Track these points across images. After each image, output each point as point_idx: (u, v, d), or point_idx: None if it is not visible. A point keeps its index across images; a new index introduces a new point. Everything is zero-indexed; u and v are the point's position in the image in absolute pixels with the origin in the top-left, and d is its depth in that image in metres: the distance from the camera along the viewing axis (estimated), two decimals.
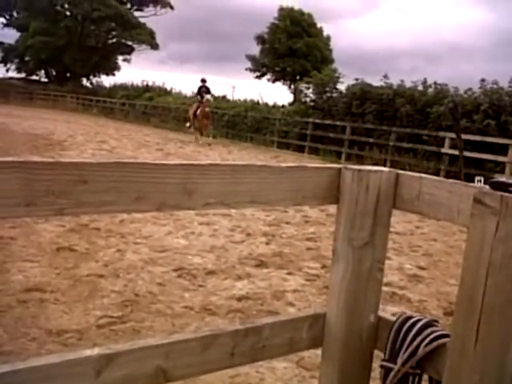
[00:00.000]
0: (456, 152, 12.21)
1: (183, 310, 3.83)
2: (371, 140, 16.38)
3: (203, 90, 20.44)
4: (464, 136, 11.88)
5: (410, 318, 1.38)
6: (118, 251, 5.15)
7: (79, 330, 3.38)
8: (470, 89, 15.53)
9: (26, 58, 47.20)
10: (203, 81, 20.75)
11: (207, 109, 19.84)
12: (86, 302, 3.83)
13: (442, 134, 14.35)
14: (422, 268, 5.47)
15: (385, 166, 12.14)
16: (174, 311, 3.80)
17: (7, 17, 48.76)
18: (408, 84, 17.35)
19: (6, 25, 48.61)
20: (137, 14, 47.95)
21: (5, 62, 49.14)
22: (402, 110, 16.36)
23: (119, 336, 3.35)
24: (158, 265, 4.81)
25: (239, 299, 4.14)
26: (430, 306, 4.37)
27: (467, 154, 12.19)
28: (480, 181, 9.16)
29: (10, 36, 48.34)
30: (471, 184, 1.27)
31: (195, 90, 21.29)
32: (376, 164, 11.38)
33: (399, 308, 4.04)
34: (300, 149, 19.17)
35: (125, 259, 4.91)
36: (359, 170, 1.41)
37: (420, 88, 16.86)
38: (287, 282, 4.66)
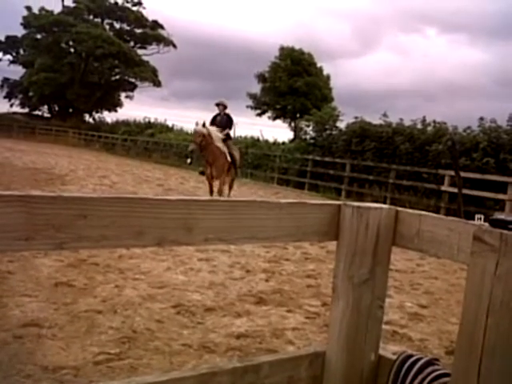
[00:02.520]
0: (455, 190, 12.24)
1: (181, 348, 3.78)
2: (371, 177, 16.44)
3: (220, 120, 12.72)
4: (463, 174, 11.94)
5: (410, 356, 1.37)
6: (116, 287, 5.11)
7: (76, 366, 3.32)
8: (468, 127, 15.69)
9: (30, 94, 47.80)
10: (220, 105, 12.83)
11: (235, 153, 12.82)
12: (83, 338, 3.78)
13: (441, 171, 14.41)
14: (423, 306, 5.41)
15: (385, 203, 12.16)
16: (172, 349, 3.75)
17: (14, 54, 49.60)
18: (407, 122, 17.56)
19: (12, 61, 49.47)
20: (140, 51, 48.77)
21: (9, 97, 49.81)
22: (401, 148, 16.49)
23: (116, 373, 3.30)
24: (157, 301, 4.77)
25: (238, 337, 4.09)
26: (432, 344, 4.32)
27: (467, 191, 12.21)
28: (480, 218, 9.16)
29: (16, 72, 49.14)
30: (471, 221, 1.28)
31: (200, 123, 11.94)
32: (376, 201, 11.40)
33: (400, 347, 3.99)
34: (300, 185, 19.23)
35: (123, 295, 4.87)
36: (359, 207, 1.42)
37: (419, 126, 17.04)
38: (287, 320, 4.60)
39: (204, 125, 11.92)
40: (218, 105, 12.98)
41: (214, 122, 12.73)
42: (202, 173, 12.58)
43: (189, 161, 21.08)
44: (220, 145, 12.06)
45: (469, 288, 1.12)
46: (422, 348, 4.19)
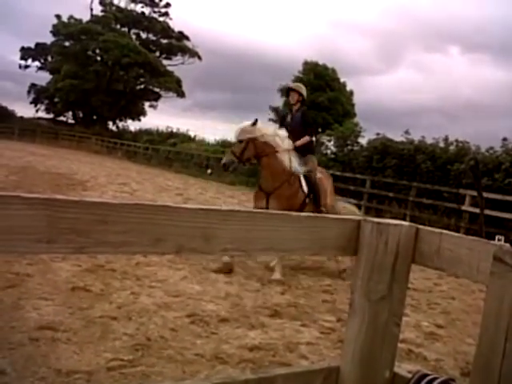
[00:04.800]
0: (476, 210, 12.10)
1: (194, 357, 3.78)
2: (391, 194, 16.32)
3: (293, 119, 7.50)
4: (485, 194, 11.80)
5: (426, 375, 1.35)
6: (132, 294, 5.13)
7: (89, 371, 3.34)
8: (491, 147, 15.55)
9: (56, 100, 48.55)
10: (294, 92, 7.54)
11: (324, 181, 7.53)
12: (97, 343, 3.80)
13: (462, 191, 14.27)
14: (439, 326, 5.34)
15: (404, 220, 12.04)
16: (185, 358, 3.75)
17: (42, 61, 50.49)
18: (429, 140, 17.44)
19: (40, 68, 50.37)
20: (165, 62, 49.27)
21: (35, 102, 50.61)
22: (422, 166, 16.37)
23: (128, 380, 3.30)
24: (172, 309, 4.77)
25: (251, 349, 4.07)
26: (447, 365, 4.25)
27: (488, 212, 12.06)
28: (500, 239, 9.04)
29: (43, 78, 49.98)
30: (491, 242, 1.26)
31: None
32: (395, 218, 11.31)
33: (415, 366, 3.93)
34: None
35: (138, 302, 4.88)
36: (379, 223, 1.41)
37: (441, 145, 16.92)
38: (301, 334, 4.58)
39: (255, 123, 6.78)
40: (289, 91, 7.67)
41: (282, 123, 7.66)
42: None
43: (209, 171, 21.18)
44: (286, 160, 6.84)
45: (487, 309, 1.11)
46: (437, 368, 4.12)
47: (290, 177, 6.78)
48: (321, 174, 7.50)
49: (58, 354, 3.54)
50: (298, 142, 7.13)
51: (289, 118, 7.55)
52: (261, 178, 7.05)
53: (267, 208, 6.53)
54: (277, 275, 6.51)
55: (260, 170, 7.09)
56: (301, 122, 7.36)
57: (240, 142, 6.72)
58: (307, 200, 6.98)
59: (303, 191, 6.93)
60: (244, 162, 6.93)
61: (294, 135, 7.08)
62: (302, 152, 7.19)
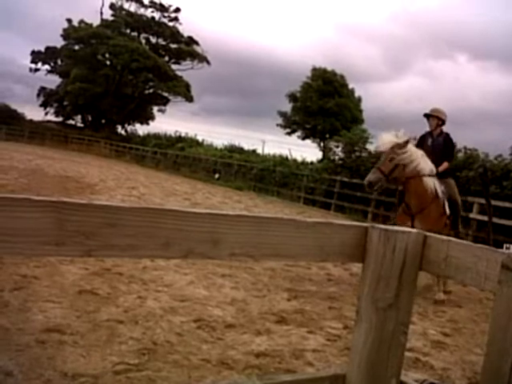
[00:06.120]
0: (484, 218, 12.04)
1: (200, 363, 3.77)
2: None
3: (433, 143, 7.58)
4: (493, 202, 11.74)
5: None
6: (138, 298, 5.13)
7: (95, 374, 3.34)
8: (500, 155, 15.47)
9: (65, 103, 48.86)
10: (434, 117, 7.56)
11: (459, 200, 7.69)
12: (103, 346, 3.80)
13: (470, 199, 14.18)
14: (446, 334, 5.31)
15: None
16: (191, 363, 3.75)
17: (52, 64, 50.80)
18: None
19: (50, 71, 50.67)
20: (174, 66, 49.44)
21: (45, 105, 50.91)
22: None
23: None
24: (178, 314, 4.78)
25: (257, 355, 4.06)
26: (454, 374, 4.22)
27: (496, 220, 11.99)
28: (508, 248, 8.98)
29: (53, 82, 50.30)
30: (499, 250, 1.26)
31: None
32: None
33: (422, 375, 3.91)
34: (326, 206, 19.13)
35: (145, 306, 4.89)
36: (386, 230, 1.41)
37: None
38: (307, 341, 4.56)
39: (407, 142, 6.85)
40: (428, 116, 7.59)
41: (421, 146, 7.46)
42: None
43: (216, 176, 21.23)
44: (431, 182, 6.92)
45: (495, 317, 1.10)
46: (444, 377, 4.10)
47: (435, 199, 6.92)
48: (458, 197, 7.64)
49: (65, 356, 3.55)
50: (441, 168, 7.25)
51: (429, 142, 7.55)
52: (406, 199, 7.04)
53: (412, 227, 6.28)
54: (441, 295, 6.66)
55: (405, 190, 7.10)
56: (442, 147, 7.48)
57: (390, 160, 6.72)
58: (447, 222, 7.17)
59: (446, 213, 7.09)
60: (391, 180, 7.02)
61: (434, 158, 7.13)
62: (442, 175, 7.31)
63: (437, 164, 7.13)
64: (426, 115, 7.60)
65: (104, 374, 3.38)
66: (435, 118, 7.49)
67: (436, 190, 6.93)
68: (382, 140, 6.93)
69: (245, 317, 4.99)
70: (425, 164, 6.88)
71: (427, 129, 7.67)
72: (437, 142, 7.49)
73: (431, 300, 6.71)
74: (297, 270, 7.46)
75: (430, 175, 6.91)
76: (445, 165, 7.36)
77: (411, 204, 6.94)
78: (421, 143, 7.58)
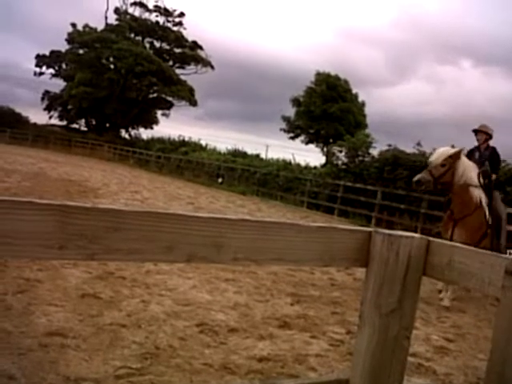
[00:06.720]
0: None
1: (203, 367, 3.77)
2: (402, 206, 16.24)
3: (481, 156, 7.91)
4: None
5: None
6: (141, 302, 5.13)
7: (97, 378, 3.34)
8: (503, 160, 15.43)
9: (69, 107, 48.95)
10: (482, 132, 7.91)
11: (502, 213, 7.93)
12: (106, 350, 3.80)
13: None
14: (449, 340, 5.29)
15: (415, 233, 11.97)
16: (193, 367, 3.74)
17: (56, 68, 50.97)
18: None
19: (54, 75, 50.82)
20: (178, 71, 49.53)
21: (49, 109, 51.05)
22: None
23: None
24: (181, 318, 4.77)
25: (260, 360, 4.05)
26: (457, 380, 4.21)
27: None
28: None
29: (57, 86, 50.43)
30: (503, 255, 1.25)
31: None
32: (406, 230, 11.22)
33: (425, 380, 3.90)
34: (329, 210, 19.11)
35: (148, 310, 4.89)
36: (390, 235, 1.41)
37: None
38: (310, 346, 4.55)
39: (460, 152, 7.19)
40: (476, 131, 7.93)
41: (469, 159, 7.58)
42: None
43: (220, 180, 21.25)
44: (476, 192, 7.17)
45: (499, 323, 1.10)
46: (446, 383, 4.09)
47: (478, 208, 7.15)
48: (502, 209, 7.87)
49: (67, 360, 3.55)
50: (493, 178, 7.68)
51: (477, 156, 7.83)
52: (452, 206, 7.36)
53: (453, 232, 7.05)
54: (446, 302, 6.79)
55: (451, 197, 7.42)
56: (489, 159, 7.80)
57: (442, 165, 6.98)
58: (488, 231, 7.33)
59: (487, 223, 7.29)
60: (438, 184, 7.14)
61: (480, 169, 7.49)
62: (488, 186, 7.58)
63: (484, 176, 7.46)
64: (475, 130, 7.93)
65: (106, 378, 3.38)
66: (483, 133, 7.83)
67: (480, 200, 7.18)
68: (437, 153, 7.21)
69: (248, 321, 4.99)
70: (474, 174, 7.17)
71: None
72: (484, 156, 7.82)
73: (435, 305, 6.70)
74: (300, 275, 7.44)
75: (476, 186, 7.18)
76: (492, 177, 7.67)
77: (455, 210, 7.22)
78: (469, 157, 7.79)
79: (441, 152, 7.16)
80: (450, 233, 7.05)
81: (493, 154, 7.85)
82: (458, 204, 7.16)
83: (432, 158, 7.21)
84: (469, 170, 7.08)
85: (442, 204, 14.99)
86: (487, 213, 7.26)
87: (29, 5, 74.84)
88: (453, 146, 7.13)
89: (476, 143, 7.92)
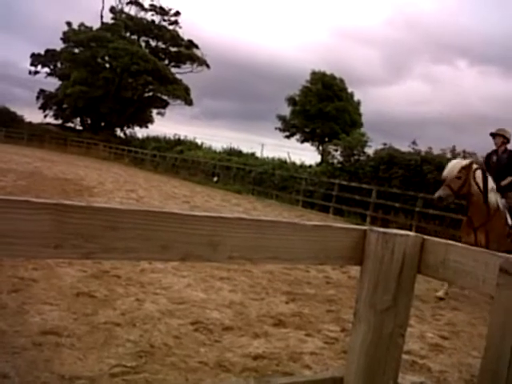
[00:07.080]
0: None
1: (198, 365, 3.77)
2: (397, 205, 16.28)
3: (499, 160, 8.07)
4: None
5: None
6: (136, 300, 5.13)
7: (92, 377, 3.34)
8: None
9: (64, 106, 48.78)
10: (499, 136, 8.02)
11: None
12: (101, 349, 3.80)
13: None
14: (444, 337, 5.31)
15: (410, 231, 12.00)
16: (188, 365, 3.74)
17: (51, 67, 50.77)
18: (436, 151, 17.43)
19: (49, 74, 50.61)
20: (174, 70, 49.42)
21: (44, 108, 50.84)
22: (429, 177, 16.33)
23: None
24: (176, 317, 4.77)
25: (255, 358, 4.06)
26: (451, 377, 4.22)
27: None
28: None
29: (52, 84, 50.18)
30: (498, 253, 1.26)
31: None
32: (401, 229, 11.23)
33: (419, 377, 3.91)
34: (325, 209, 19.13)
35: (142, 309, 4.88)
36: (385, 233, 1.41)
37: (448, 156, 16.88)
38: (305, 344, 4.56)
39: (472, 163, 7.44)
40: (493, 135, 8.03)
41: (487, 162, 8.10)
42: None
43: (215, 179, 21.25)
44: (492, 197, 7.39)
45: (493, 321, 1.10)
46: (441, 380, 4.10)
47: (496, 211, 7.38)
48: None
49: (62, 359, 3.54)
50: (504, 182, 7.76)
51: (494, 159, 8.04)
52: (469, 213, 7.53)
53: (476, 240, 7.18)
54: (441, 293, 7.20)
55: (468, 205, 7.57)
56: (506, 163, 7.93)
57: (458, 178, 7.21)
58: (511, 232, 7.51)
59: (508, 224, 7.48)
60: (459, 197, 7.53)
61: (498, 174, 7.73)
62: (504, 189, 7.78)
63: (501, 179, 7.72)
64: (492, 134, 8.06)
65: (101, 376, 3.38)
66: (500, 136, 7.99)
67: (498, 204, 7.41)
68: (450, 167, 7.43)
69: (243, 320, 4.99)
70: (489, 180, 7.37)
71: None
72: (501, 159, 7.97)
73: (429, 303, 6.72)
74: (295, 273, 7.45)
75: (491, 191, 7.38)
76: (509, 179, 7.78)
77: (473, 218, 7.42)
78: (487, 160, 8.14)
79: (453, 165, 7.37)
80: (473, 238, 7.20)
81: (510, 157, 7.96)
82: (475, 212, 7.36)
83: (445, 173, 7.38)
84: (482, 178, 7.28)
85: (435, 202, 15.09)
86: (507, 214, 7.47)
87: (25, 4, 74.68)
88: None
89: (494, 147, 8.06)
